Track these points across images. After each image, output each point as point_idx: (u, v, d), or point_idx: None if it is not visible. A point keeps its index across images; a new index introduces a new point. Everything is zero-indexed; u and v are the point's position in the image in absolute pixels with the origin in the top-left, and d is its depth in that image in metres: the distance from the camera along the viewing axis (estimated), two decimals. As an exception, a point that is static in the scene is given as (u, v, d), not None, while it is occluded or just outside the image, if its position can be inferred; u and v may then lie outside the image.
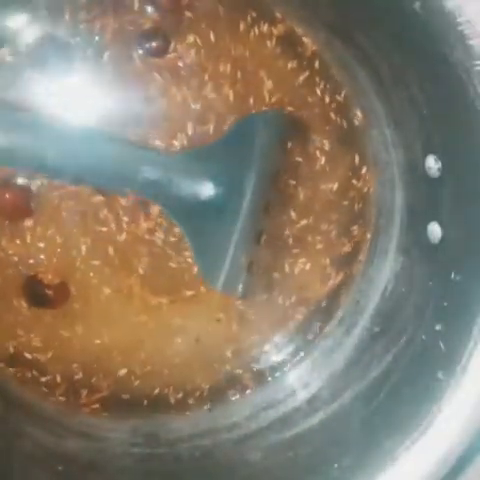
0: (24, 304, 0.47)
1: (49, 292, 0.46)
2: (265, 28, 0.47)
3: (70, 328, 0.47)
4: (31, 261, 0.46)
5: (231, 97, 0.47)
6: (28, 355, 0.47)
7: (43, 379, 0.48)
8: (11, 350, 0.47)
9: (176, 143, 0.46)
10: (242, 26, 0.47)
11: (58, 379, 0.48)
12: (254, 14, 0.47)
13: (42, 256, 0.46)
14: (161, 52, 0.46)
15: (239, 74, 0.47)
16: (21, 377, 0.47)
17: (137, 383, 0.48)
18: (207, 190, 0.45)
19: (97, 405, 0.48)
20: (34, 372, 0.47)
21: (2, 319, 0.47)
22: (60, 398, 0.48)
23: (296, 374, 0.50)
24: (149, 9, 0.46)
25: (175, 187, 0.45)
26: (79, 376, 0.48)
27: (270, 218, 0.48)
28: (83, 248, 0.46)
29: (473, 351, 0.35)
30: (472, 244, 0.37)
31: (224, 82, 0.47)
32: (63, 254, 0.46)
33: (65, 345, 0.47)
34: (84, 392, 0.48)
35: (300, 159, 0.49)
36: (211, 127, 0.47)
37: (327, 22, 0.45)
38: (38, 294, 0.46)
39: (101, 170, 0.44)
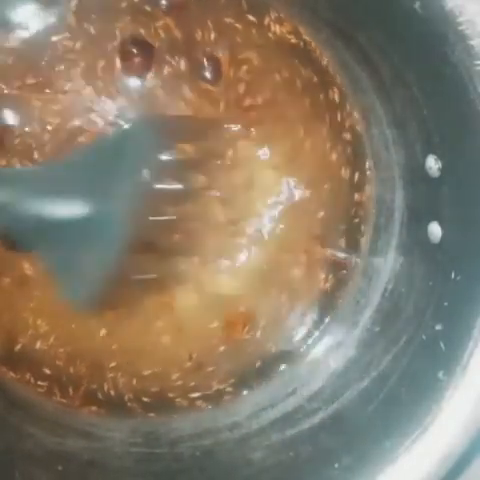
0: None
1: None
2: (270, 27, 0.47)
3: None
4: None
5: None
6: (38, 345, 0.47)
7: (42, 382, 0.48)
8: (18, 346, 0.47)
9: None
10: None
11: (61, 377, 0.48)
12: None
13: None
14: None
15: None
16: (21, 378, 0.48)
17: (137, 381, 0.48)
18: (74, 208, 0.39)
19: (96, 405, 0.48)
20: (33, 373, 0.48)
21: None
22: (61, 399, 0.48)
23: (296, 373, 0.50)
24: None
25: (32, 208, 0.38)
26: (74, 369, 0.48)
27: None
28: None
29: (473, 351, 0.35)
30: (472, 244, 0.37)
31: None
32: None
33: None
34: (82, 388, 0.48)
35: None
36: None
37: (328, 22, 0.45)
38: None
39: None
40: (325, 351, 0.50)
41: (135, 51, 0.46)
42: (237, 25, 0.47)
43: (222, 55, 0.47)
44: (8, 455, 0.41)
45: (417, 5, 0.34)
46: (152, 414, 0.49)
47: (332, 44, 0.47)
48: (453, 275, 0.38)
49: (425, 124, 0.40)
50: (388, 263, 0.48)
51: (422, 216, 0.43)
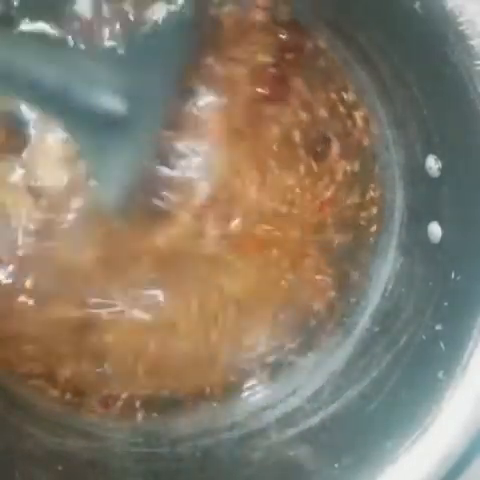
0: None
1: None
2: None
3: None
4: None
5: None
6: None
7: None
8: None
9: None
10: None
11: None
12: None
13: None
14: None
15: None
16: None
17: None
18: (113, 103, 0.39)
19: (97, 404, 0.48)
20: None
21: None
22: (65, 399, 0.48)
23: (297, 374, 0.50)
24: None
25: (78, 95, 0.38)
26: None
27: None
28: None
29: (473, 351, 0.35)
30: (472, 244, 0.37)
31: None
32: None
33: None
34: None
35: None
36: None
37: (328, 22, 0.45)
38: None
39: None
40: (325, 351, 0.50)
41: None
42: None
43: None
44: (8, 455, 0.41)
45: (417, 5, 0.34)
46: (152, 414, 0.49)
47: (333, 45, 0.47)
48: (453, 275, 0.38)
49: (425, 124, 0.40)
50: (388, 263, 0.48)
51: (422, 216, 0.43)
